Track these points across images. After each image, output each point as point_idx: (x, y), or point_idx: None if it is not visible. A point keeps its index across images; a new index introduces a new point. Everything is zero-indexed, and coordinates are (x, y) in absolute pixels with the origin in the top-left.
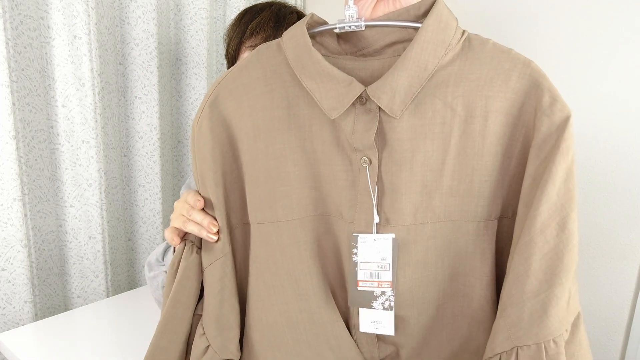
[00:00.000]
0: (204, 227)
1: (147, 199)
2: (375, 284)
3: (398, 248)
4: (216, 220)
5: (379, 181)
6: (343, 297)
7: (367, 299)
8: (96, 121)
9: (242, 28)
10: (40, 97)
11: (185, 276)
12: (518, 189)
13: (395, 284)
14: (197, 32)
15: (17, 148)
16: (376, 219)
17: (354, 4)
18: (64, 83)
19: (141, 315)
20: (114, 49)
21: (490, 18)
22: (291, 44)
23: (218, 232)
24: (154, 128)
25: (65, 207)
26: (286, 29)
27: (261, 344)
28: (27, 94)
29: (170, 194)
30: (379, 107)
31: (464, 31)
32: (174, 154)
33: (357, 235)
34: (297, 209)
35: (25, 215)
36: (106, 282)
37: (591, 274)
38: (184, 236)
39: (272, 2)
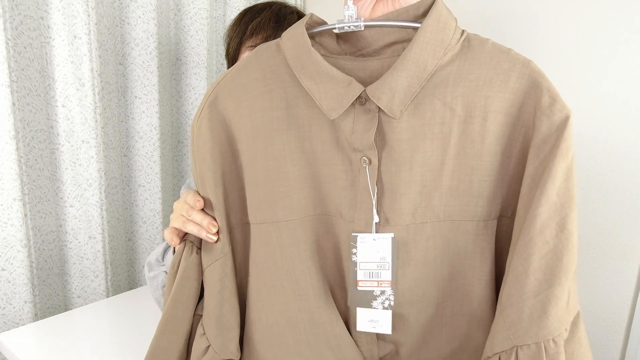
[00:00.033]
0: (204, 228)
1: (147, 199)
2: (375, 284)
3: (397, 247)
4: (216, 220)
5: (379, 181)
6: (343, 297)
7: (367, 299)
8: (96, 121)
9: (243, 28)
10: (40, 97)
11: (185, 276)
12: (517, 189)
13: (394, 283)
14: (197, 32)
15: (17, 148)
16: (376, 219)
17: (353, 4)
18: (64, 83)
19: (141, 315)
20: (114, 49)
21: (490, 18)
22: (290, 44)
23: (217, 232)
24: (154, 128)
25: (65, 207)
26: (286, 29)
27: (261, 344)
28: (27, 94)
29: (170, 194)
30: (379, 108)
31: (463, 31)
32: (174, 154)
33: (357, 235)
34: (296, 209)
35: (25, 215)
36: (106, 282)
37: (591, 274)
38: (184, 236)
39: (273, 2)
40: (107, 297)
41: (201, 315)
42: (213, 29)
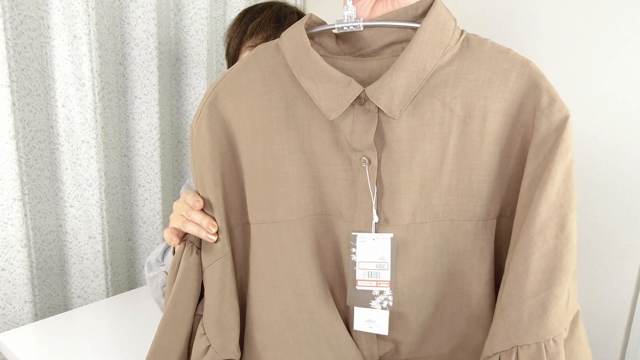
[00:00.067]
0: (203, 228)
1: (147, 199)
2: (374, 284)
3: (397, 248)
4: (215, 220)
5: (378, 181)
6: (342, 297)
7: (366, 298)
8: (96, 121)
9: (243, 28)
10: (40, 97)
11: (185, 276)
12: (517, 189)
13: (393, 283)
14: (197, 32)
15: (17, 148)
16: (375, 219)
17: (353, 4)
18: (64, 83)
19: (141, 315)
20: (114, 49)
21: (490, 18)
22: (289, 45)
23: (217, 232)
24: (154, 128)
25: (65, 207)
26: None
27: (262, 344)
28: (27, 94)
29: (170, 194)
30: (378, 108)
31: (462, 31)
32: (174, 154)
33: (356, 235)
34: (296, 209)
35: (25, 215)
36: (106, 282)
37: (591, 274)
38: (184, 237)
39: (273, 2)
40: (107, 297)
41: (202, 315)
42: (213, 29)
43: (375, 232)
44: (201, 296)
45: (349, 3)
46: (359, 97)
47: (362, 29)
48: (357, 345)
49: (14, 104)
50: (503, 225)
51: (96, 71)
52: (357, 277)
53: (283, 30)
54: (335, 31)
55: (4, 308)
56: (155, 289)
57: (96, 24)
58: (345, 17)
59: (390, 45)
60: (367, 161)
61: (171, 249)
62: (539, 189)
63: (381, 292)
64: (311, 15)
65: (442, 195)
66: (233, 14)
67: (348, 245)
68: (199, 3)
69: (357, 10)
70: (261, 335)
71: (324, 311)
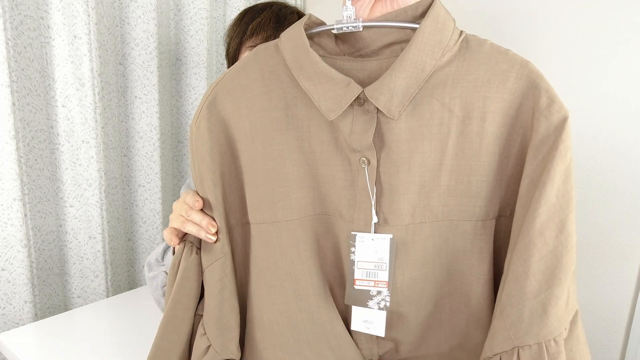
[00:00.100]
0: (203, 228)
1: (147, 199)
2: (372, 284)
3: (395, 248)
4: (215, 220)
5: (378, 181)
6: (342, 297)
7: (363, 298)
8: (96, 121)
9: (243, 28)
10: (40, 97)
11: (185, 277)
12: (516, 189)
13: (391, 284)
14: (197, 32)
15: (17, 148)
16: (374, 219)
17: (352, 4)
18: (64, 83)
19: (141, 315)
20: (114, 49)
21: (490, 18)
22: (289, 45)
23: (217, 232)
24: (154, 128)
25: (65, 207)
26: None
27: (263, 343)
28: (27, 94)
29: (170, 194)
30: (377, 108)
31: (461, 32)
32: (174, 154)
33: (356, 234)
34: (296, 209)
35: (25, 215)
36: (106, 282)
37: (591, 274)
38: (183, 237)
39: (273, 2)
40: (107, 297)
41: (202, 315)
42: (213, 29)
43: (375, 232)
44: (201, 296)
45: (348, 3)
46: (358, 97)
47: (361, 29)
48: (357, 344)
49: (14, 104)
50: (502, 225)
51: (96, 71)
52: (356, 277)
53: (283, 30)
54: (334, 31)
55: (4, 308)
56: (155, 289)
57: (96, 24)
58: (345, 17)
59: (390, 45)
60: (366, 162)
61: (171, 249)
62: (538, 190)
63: (379, 293)
64: (310, 15)
65: (441, 196)
66: (233, 14)
67: (348, 245)
68: (199, 3)
69: (356, 11)
70: (262, 335)
71: (323, 311)
